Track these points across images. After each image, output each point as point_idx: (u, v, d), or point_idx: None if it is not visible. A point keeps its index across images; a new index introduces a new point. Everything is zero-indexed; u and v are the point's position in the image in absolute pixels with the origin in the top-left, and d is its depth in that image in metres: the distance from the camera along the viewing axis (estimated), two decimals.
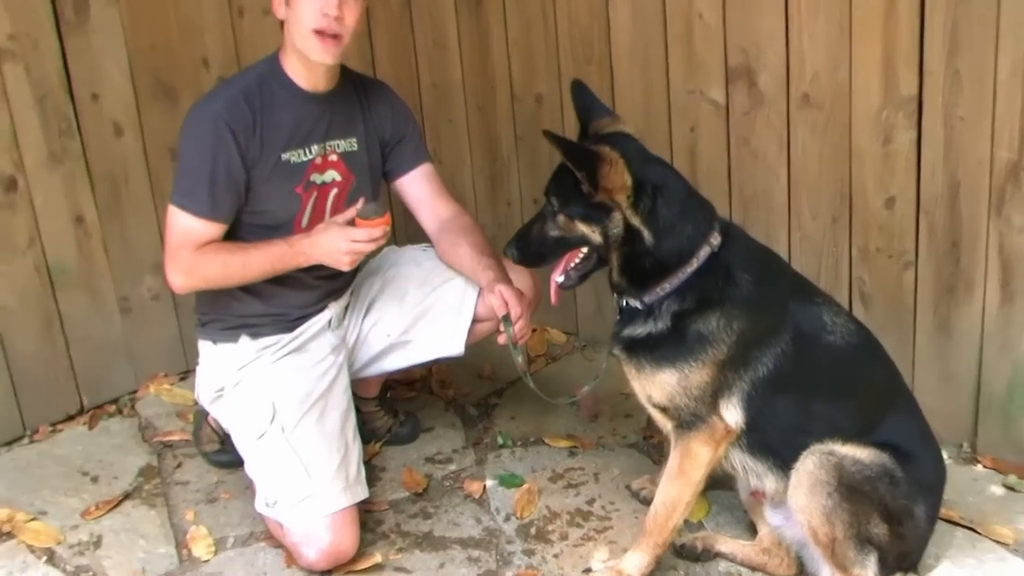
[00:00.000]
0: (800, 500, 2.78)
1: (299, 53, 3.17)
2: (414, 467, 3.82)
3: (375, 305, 3.63)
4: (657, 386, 2.88)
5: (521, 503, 3.55)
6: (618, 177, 2.76)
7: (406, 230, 3.98)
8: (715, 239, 2.85)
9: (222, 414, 3.47)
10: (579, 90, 3.05)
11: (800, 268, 3.76)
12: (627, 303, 2.93)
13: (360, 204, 3.12)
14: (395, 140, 3.49)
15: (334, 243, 3.10)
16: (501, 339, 3.24)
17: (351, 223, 3.12)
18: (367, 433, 3.83)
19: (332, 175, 3.35)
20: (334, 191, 3.36)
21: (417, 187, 3.53)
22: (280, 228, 3.25)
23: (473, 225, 3.53)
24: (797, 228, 3.87)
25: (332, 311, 3.53)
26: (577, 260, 2.94)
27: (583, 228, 2.86)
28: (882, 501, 2.76)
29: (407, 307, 3.56)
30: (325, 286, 3.48)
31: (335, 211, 3.31)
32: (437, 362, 3.84)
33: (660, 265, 2.83)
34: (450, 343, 3.52)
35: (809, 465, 2.78)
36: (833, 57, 3.56)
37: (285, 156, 3.26)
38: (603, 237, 2.84)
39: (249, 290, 3.32)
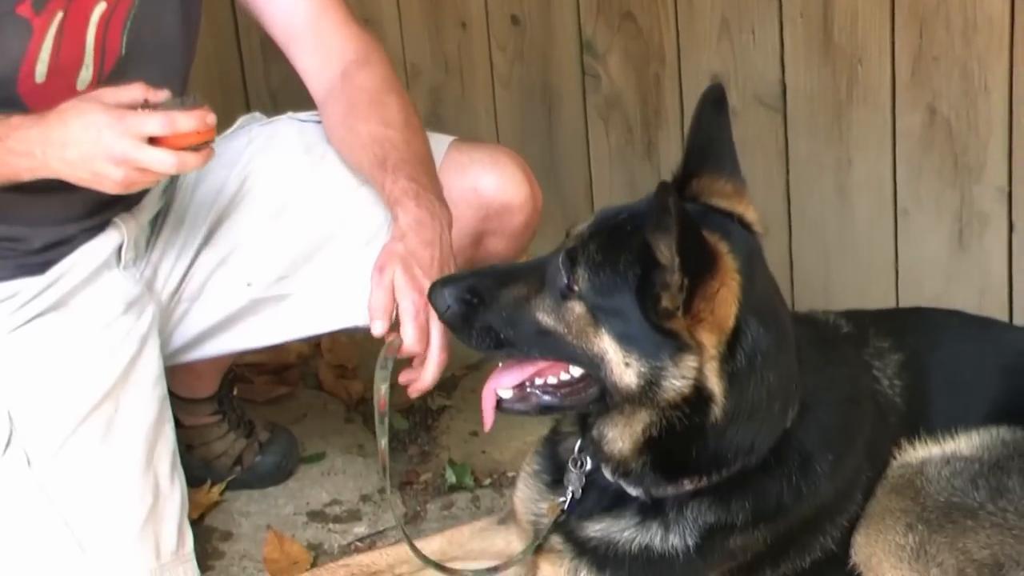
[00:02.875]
0: (861, 549, 2.95)
1: None
2: (286, 531, 3.72)
3: (225, 227, 3.46)
4: None
5: None
6: (724, 307, 2.75)
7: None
8: (793, 412, 2.93)
9: None
10: (714, 106, 2.99)
11: None
12: (607, 478, 2.99)
13: (160, 96, 2.96)
14: None
15: (95, 135, 2.86)
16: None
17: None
18: (197, 466, 3.75)
19: None
20: (98, 9, 3.11)
21: None
22: None
23: (386, 83, 3.41)
24: None
25: (122, 232, 3.32)
26: (556, 380, 2.89)
27: (611, 351, 2.77)
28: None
29: (286, 233, 3.42)
30: None
31: (107, 56, 3.13)
32: (338, 334, 3.78)
33: (714, 455, 2.86)
34: (364, 302, 3.21)
35: (876, 493, 2.99)
36: None
37: None
38: (643, 383, 2.76)
39: None
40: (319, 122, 3.50)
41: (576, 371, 2.86)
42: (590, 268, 2.80)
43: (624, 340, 2.76)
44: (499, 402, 2.94)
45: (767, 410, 2.86)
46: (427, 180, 3.20)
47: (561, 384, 2.87)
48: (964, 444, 2.99)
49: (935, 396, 3.16)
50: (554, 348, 2.84)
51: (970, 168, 3.69)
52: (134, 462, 3.17)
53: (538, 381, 2.91)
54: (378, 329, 3.07)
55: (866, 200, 3.85)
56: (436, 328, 3.06)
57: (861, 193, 3.84)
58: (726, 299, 2.74)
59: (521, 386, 2.92)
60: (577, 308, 2.79)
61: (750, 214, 2.96)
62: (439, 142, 3.35)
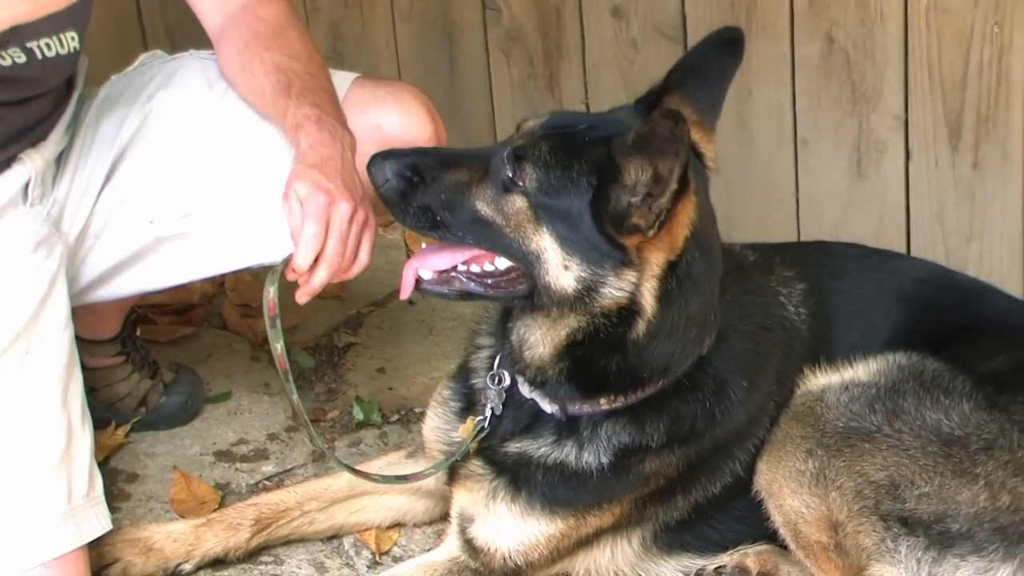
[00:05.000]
0: (763, 476, 3.08)
1: None
2: (193, 471, 3.77)
3: (127, 164, 3.46)
4: (530, 543, 3.09)
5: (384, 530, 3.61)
6: (680, 231, 2.85)
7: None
8: (710, 340, 3.04)
9: None
10: (724, 44, 3.11)
11: None
12: (527, 395, 3.07)
13: None
14: None
15: None
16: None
17: None
18: (101, 408, 3.76)
19: None
20: None
21: None
22: None
23: (288, 18, 3.44)
24: None
25: (28, 168, 3.34)
26: (481, 269, 2.96)
27: (551, 251, 2.85)
28: (920, 428, 2.99)
29: (189, 169, 3.44)
30: (10, 118, 3.28)
31: None
32: (242, 272, 3.78)
33: (629, 372, 2.95)
34: (271, 238, 3.30)
35: (779, 421, 3.12)
36: None
37: None
38: (581, 288, 2.85)
39: None
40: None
41: (502, 263, 2.92)
42: (539, 167, 2.86)
43: (566, 243, 2.84)
44: (419, 281, 3.01)
45: (684, 333, 2.95)
46: (331, 108, 3.23)
47: (486, 274, 2.96)
48: (862, 371, 3.10)
49: (837, 324, 3.30)
50: (489, 238, 2.91)
51: (867, 97, 3.79)
52: (48, 405, 3.19)
53: (463, 269, 2.98)
54: None
55: (766, 130, 3.94)
56: (336, 233, 3.08)
57: (761, 123, 3.92)
58: (683, 224, 2.85)
59: (447, 272, 2.99)
60: (519, 202, 2.87)
61: (708, 151, 3.06)
62: (341, 79, 3.38)
